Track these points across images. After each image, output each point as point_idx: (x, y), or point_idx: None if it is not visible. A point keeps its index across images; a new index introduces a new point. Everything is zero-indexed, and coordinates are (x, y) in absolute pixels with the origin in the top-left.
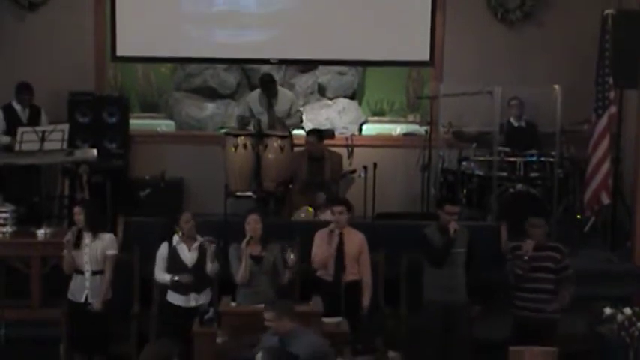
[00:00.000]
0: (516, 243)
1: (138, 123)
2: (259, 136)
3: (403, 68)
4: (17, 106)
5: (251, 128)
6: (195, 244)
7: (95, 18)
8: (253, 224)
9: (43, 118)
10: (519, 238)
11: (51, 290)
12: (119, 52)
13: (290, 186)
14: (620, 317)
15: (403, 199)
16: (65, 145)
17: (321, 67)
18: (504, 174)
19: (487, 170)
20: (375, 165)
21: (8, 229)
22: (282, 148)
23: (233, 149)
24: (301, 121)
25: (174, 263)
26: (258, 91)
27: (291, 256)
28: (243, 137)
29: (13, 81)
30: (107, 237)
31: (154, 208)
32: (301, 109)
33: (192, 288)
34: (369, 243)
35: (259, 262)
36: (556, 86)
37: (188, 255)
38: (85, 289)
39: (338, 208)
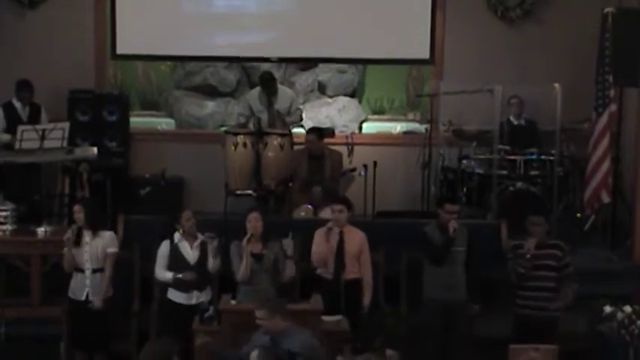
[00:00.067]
0: (518, 242)
1: (138, 121)
2: (259, 135)
3: (403, 66)
4: (17, 104)
5: (251, 126)
6: (197, 242)
7: (95, 16)
8: (254, 222)
9: (43, 116)
10: (519, 236)
11: (51, 288)
12: (119, 50)
13: (290, 184)
14: (620, 315)
15: (403, 197)
16: (65, 143)
17: (321, 65)
18: (504, 172)
19: (487, 168)
20: (375, 163)
21: (8, 227)
22: (282, 146)
23: (233, 147)
24: (301, 119)
25: (177, 261)
26: (258, 89)
27: (291, 246)
28: (243, 135)
29: (13, 79)
30: (107, 235)
31: (154, 206)
32: (301, 107)
33: (195, 285)
34: (369, 241)
35: (260, 260)
36: (556, 85)
37: (190, 252)
38: (86, 287)
39: (337, 207)
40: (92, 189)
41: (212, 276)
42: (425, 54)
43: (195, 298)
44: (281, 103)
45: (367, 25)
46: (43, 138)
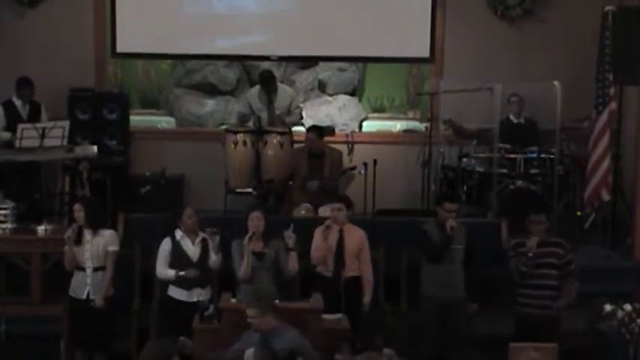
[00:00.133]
0: (519, 240)
1: (138, 119)
2: (259, 133)
3: (403, 65)
4: (17, 102)
5: (251, 125)
6: (198, 239)
7: (95, 14)
8: (256, 221)
9: (43, 114)
10: (520, 234)
11: (51, 287)
12: (119, 49)
13: (290, 182)
14: (620, 314)
15: (403, 195)
16: (65, 142)
17: (321, 64)
18: (505, 170)
19: (487, 167)
20: (375, 161)
21: (8, 225)
22: (282, 145)
23: (233, 146)
24: (301, 118)
25: (179, 258)
26: (257, 87)
27: (292, 237)
28: (243, 134)
29: (13, 78)
30: (108, 233)
31: (154, 205)
32: (301, 105)
33: (197, 283)
34: (370, 239)
35: (261, 259)
36: (556, 83)
37: (192, 249)
38: (87, 285)
39: (336, 205)
40: (92, 187)
41: (213, 273)
42: (425, 52)
43: (197, 295)
44: (281, 102)
45: (367, 24)
46: (43, 136)
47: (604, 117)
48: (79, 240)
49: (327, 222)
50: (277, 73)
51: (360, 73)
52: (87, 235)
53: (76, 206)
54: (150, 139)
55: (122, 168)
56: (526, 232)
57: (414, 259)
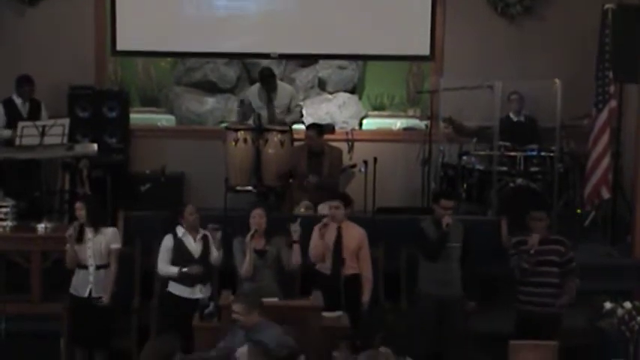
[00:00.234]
0: (520, 238)
1: (138, 117)
2: (259, 131)
3: (403, 63)
4: (17, 100)
5: (251, 122)
6: (199, 236)
7: (95, 12)
8: (258, 219)
9: (43, 112)
10: (520, 232)
11: (51, 285)
12: (119, 47)
13: (290, 180)
14: (620, 311)
15: (403, 193)
16: (65, 140)
17: (321, 62)
18: (504, 168)
19: (487, 165)
20: (375, 159)
21: (8, 223)
22: (282, 143)
23: (233, 143)
24: (301, 116)
25: (181, 255)
26: (257, 85)
27: (297, 230)
28: (243, 132)
29: (13, 76)
30: (110, 231)
31: (154, 203)
32: (301, 103)
33: (199, 279)
34: (369, 237)
35: (263, 256)
36: (556, 81)
37: (194, 246)
38: (89, 283)
39: (334, 203)
40: (92, 185)
41: (214, 269)
42: (425, 50)
43: (199, 291)
44: (280, 100)
45: (367, 22)
46: (43, 134)
47: (604, 115)
48: (80, 238)
49: (325, 220)
50: (277, 71)
51: (360, 71)
52: (88, 233)
53: (78, 204)
54: (150, 137)
55: (122, 166)
56: (526, 229)
57: (414, 257)
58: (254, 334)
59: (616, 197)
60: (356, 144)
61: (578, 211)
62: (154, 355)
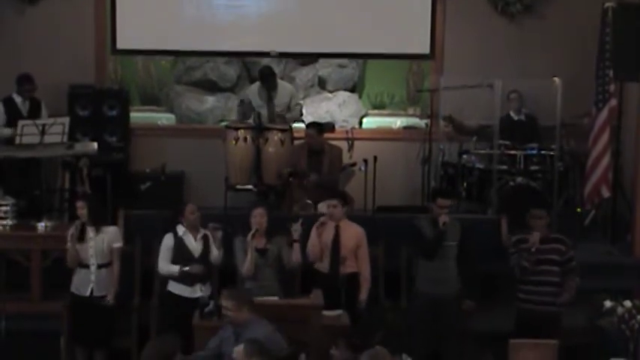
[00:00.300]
0: (520, 236)
1: (138, 116)
2: (260, 130)
3: (403, 61)
4: (18, 99)
5: (251, 121)
6: (200, 235)
7: (95, 11)
8: (259, 218)
9: (43, 111)
10: (520, 231)
11: (51, 284)
12: (119, 45)
13: (290, 179)
14: (620, 310)
15: (403, 192)
16: (65, 139)
17: (321, 60)
18: (505, 167)
19: (487, 163)
20: (375, 158)
21: (8, 222)
22: (282, 142)
23: (233, 142)
24: (301, 115)
25: (182, 254)
26: (257, 84)
27: (298, 229)
28: (243, 130)
29: (13, 75)
30: (111, 230)
31: (154, 201)
32: (301, 102)
33: (199, 278)
34: (369, 236)
35: (264, 255)
36: (556, 79)
37: (195, 245)
38: (90, 282)
39: (332, 202)
40: (92, 184)
41: (214, 268)
42: (425, 49)
43: (199, 290)
44: (281, 98)
45: (367, 20)
46: (43, 133)
47: (604, 114)
48: (82, 237)
49: (322, 219)
50: (277, 69)
51: (360, 70)
52: (90, 232)
53: (79, 203)
54: (150, 136)
55: (122, 165)
56: (526, 228)
57: (414, 256)
58: (243, 331)
59: (616, 196)
60: (356, 143)
61: (578, 209)
62: (154, 356)
